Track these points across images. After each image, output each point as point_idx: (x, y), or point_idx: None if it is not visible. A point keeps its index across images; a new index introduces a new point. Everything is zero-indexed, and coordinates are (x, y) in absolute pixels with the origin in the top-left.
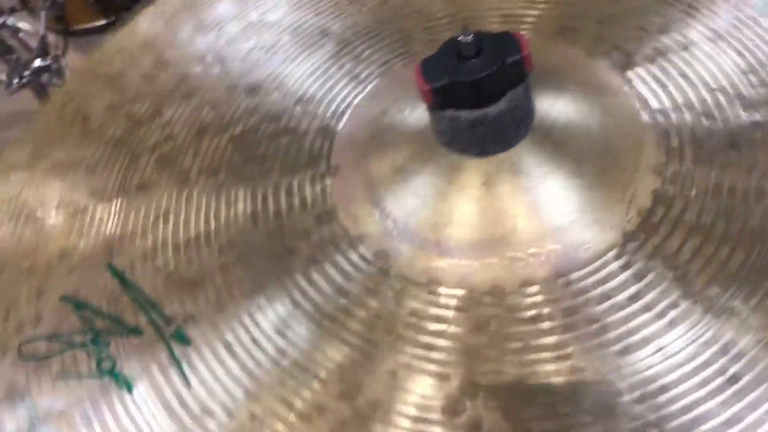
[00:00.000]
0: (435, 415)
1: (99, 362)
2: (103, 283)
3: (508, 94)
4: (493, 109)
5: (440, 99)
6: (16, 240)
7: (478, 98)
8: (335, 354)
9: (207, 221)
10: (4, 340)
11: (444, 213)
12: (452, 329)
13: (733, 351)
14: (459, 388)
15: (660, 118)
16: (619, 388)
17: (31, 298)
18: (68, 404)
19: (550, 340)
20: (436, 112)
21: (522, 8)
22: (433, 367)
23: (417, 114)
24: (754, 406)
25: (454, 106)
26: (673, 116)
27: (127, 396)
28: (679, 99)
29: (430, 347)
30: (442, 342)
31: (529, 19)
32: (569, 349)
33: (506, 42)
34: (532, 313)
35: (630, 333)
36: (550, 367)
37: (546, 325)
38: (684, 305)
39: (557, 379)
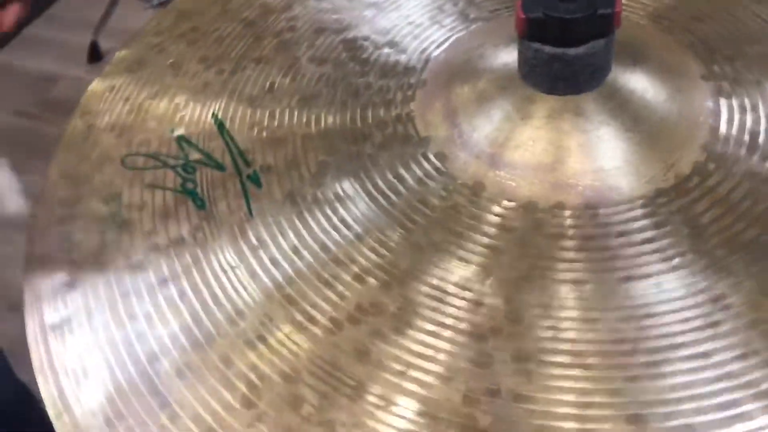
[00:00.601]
0: (451, 288)
1: (184, 182)
2: (205, 128)
3: (591, 42)
4: (572, 51)
5: (530, 30)
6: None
7: (564, 37)
8: (381, 224)
9: (304, 98)
10: (118, 153)
11: (505, 133)
12: (484, 227)
13: (722, 303)
14: (474, 273)
15: (722, 110)
16: (608, 304)
17: (144, 125)
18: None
19: (564, 254)
20: (524, 43)
21: None
22: (459, 251)
23: (507, 52)
24: (727, 348)
25: (541, 40)
26: (735, 111)
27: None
28: (746, 100)
29: (459, 235)
30: (471, 233)
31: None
32: (578, 265)
33: None
34: (555, 230)
35: (635, 266)
36: (557, 275)
37: (565, 242)
38: (690, 256)
39: (560, 284)
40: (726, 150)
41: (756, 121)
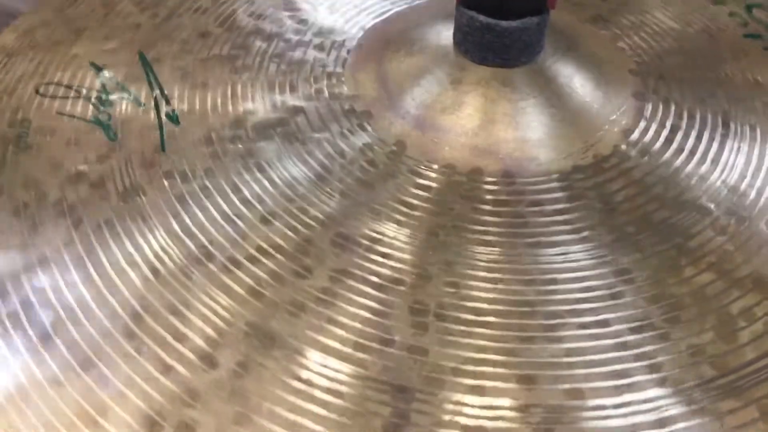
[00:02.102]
0: (358, 238)
1: (98, 113)
2: (130, 69)
3: (525, 18)
4: (505, 23)
5: None
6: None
7: (499, 9)
8: (294, 170)
9: (236, 47)
10: (33, 80)
11: (432, 96)
12: (401, 184)
13: (625, 276)
14: (386, 226)
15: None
16: (513, 267)
17: (65, 58)
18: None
19: (477, 217)
20: (460, 9)
21: None
22: (374, 205)
23: (444, 25)
24: (625, 319)
25: (476, 8)
26: (660, 104)
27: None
28: (671, 95)
29: (373, 188)
30: (386, 189)
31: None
32: (489, 228)
33: None
34: (471, 194)
35: (544, 234)
36: (467, 235)
37: (479, 206)
38: (599, 230)
39: (468, 243)
40: (645, 138)
41: (678, 116)
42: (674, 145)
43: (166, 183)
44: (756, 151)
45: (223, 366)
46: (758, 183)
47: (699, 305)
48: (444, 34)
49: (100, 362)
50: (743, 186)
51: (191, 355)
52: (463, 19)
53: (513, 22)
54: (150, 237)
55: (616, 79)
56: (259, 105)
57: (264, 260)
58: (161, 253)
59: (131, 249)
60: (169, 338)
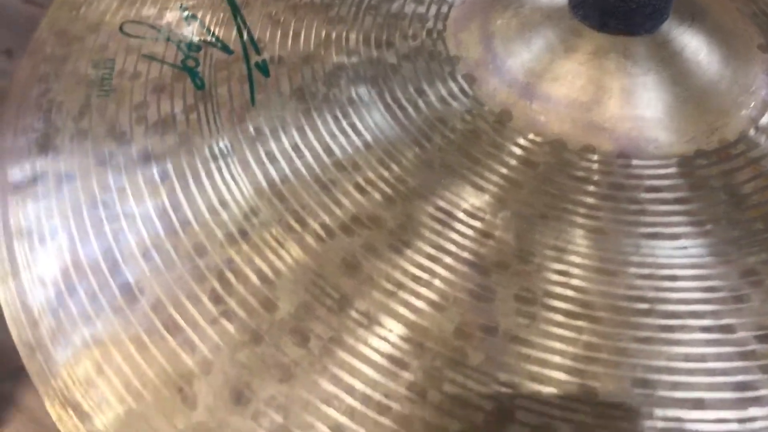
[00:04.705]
0: (460, 214)
1: (185, 58)
2: (219, 13)
3: None
4: None
5: None
6: None
7: None
8: (394, 136)
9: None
10: (117, 18)
11: (543, 64)
12: (505, 158)
13: (752, 278)
14: (487, 203)
15: None
16: (629, 259)
17: None
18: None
19: (587, 200)
20: None
21: None
22: (474, 178)
23: None
24: (752, 327)
25: None
26: None
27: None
28: None
29: (477, 161)
30: (490, 162)
31: None
32: (601, 214)
33: None
34: (581, 174)
35: (663, 225)
36: (577, 219)
37: (590, 187)
38: (724, 224)
39: (579, 229)
40: None
41: None
42: None
43: (256, 139)
44: None
45: (314, 341)
46: None
47: None
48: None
49: (186, 325)
50: None
51: (280, 327)
52: None
53: None
54: (238, 196)
55: (745, 55)
56: (354, 59)
57: (359, 231)
58: (250, 215)
59: (219, 207)
60: (258, 306)
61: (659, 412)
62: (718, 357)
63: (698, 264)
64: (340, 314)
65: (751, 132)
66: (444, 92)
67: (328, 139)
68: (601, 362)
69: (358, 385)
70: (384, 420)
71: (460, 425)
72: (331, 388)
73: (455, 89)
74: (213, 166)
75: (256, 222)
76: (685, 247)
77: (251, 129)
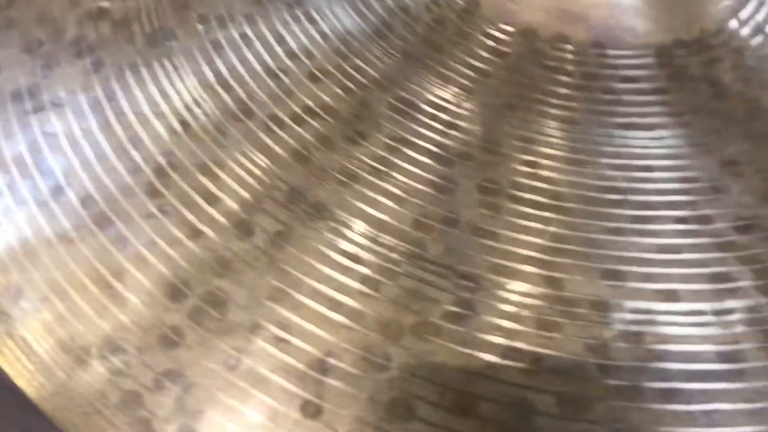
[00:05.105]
0: (422, 104)
1: None
2: None
3: None
4: None
5: None
6: None
7: None
8: (352, 26)
9: None
10: None
11: None
12: (473, 48)
13: (732, 168)
14: (453, 93)
15: None
16: (601, 150)
17: None
18: None
19: (560, 90)
20: None
21: None
22: (439, 68)
23: None
24: (731, 217)
25: None
26: None
27: None
28: None
29: (442, 51)
30: (456, 52)
31: None
32: (573, 104)
33: None
34: (553, 63)
35: (638, 115)
36: (548, 109)
37: (562, 78)
38: (703, 115)
39: (549, 119)
40: (758, 15)
41: None
42: None
43: (200, 27)
44: None
45: (260, 235)
46: None
47: None
48: None
49: (118, 220)
50: None
51: (223, 220)
52: None
53: None
54: (180, 86)
55: None
56: None
57: (312, 121)
58: (192, 105)
59: (158, 98)
60: (199, 199)
61: (629, 304)
62: (694, 248)
63: (675, 154)
64: (289, 207)
65: (732, 23)
66: None
67: (279, 27)
68: (568, 253)
69: (307, 280)
70: (334, 315)
71: (416, 319)
72: (275, 283)
73: None
74: (152, 54)
75: (198, 113)
76: (661, 138)
77: (194, 16)
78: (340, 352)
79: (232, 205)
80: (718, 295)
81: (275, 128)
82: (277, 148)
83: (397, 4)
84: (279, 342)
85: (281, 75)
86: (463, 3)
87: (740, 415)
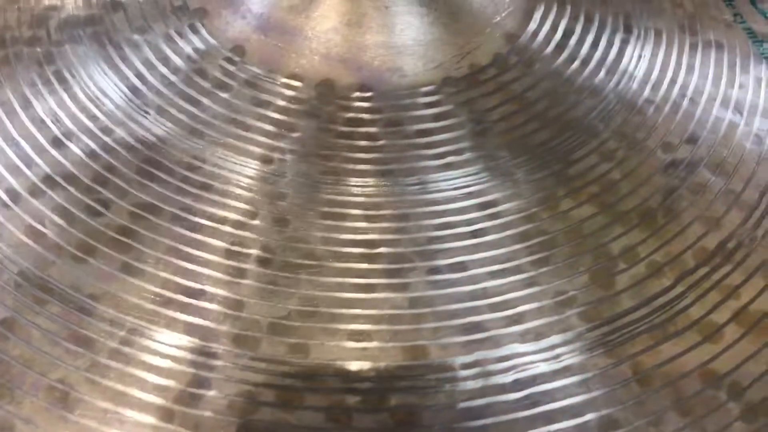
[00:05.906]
0: (204, 180)
1: None
2: None
3: None
4: None
5: None
6: None
7: None
8: (101, 79)
9: None
10: None
11: None
12: (233, 95)
13: (491, 210)
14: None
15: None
16: (356, 200)
17: None
18: None
19: (324, 138)
20: None
21: None
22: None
23: None
24: (486, 262)
25: None
26: (552, 5)
27: None
28: None
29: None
30: (219, 101)
31: None
32: (340, 153)
33: None
34: (319, 110)
35: (399, 160)
36: (316, 162)
37: (329, 125)
38: (467, 155)
39: (317, 173)
40: (532, 45)
41: (574, 18)
42: (565, 53)
43: None
44: (659, 59)
45: None
46: (658, 98)
47: (574, 244)
48: None
49: None
50: (640, 102)
51: None
52: None
53: None
54: None
55: None
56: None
57: (50, 193)
58: None
59: None
60: None
61: (375, 364)
62: (447, 299)
63: (434, 200)
64: (19, 291)
65: (505, 53)
66: (170, 28)
67: (26, 89)
68: (317, 317)
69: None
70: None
71: None
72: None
73: (184, 25)
74: None
75: None
76: (421, 183)
77: None
78: None
79: None
80: (468, 347)
81: (11, 204)
82: (10, 227)
83: (156, 55)
84: None
85: (22, 142)
86: (227, 51)
87: None
